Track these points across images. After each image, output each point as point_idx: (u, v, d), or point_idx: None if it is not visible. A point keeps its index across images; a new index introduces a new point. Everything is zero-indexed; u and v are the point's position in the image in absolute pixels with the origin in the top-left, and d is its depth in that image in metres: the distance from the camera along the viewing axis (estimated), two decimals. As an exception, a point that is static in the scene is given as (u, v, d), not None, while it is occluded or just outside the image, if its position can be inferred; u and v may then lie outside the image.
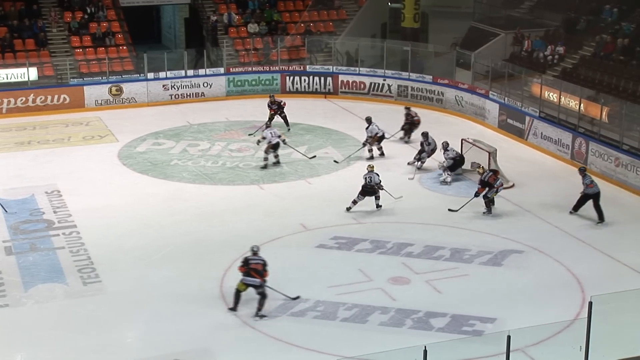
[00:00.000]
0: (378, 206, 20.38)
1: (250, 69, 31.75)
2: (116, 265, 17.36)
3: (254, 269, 15.43)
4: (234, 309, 15.51)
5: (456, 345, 13.78)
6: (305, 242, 18.77)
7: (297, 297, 15.95)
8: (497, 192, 20.40)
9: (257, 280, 15.41)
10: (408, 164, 23.43)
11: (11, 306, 15.93)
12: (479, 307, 15.79)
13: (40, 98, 29.14)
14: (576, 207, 20.17)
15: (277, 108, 27.10)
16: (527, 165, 23.99)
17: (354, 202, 20.27)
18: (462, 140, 23.52)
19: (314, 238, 18.96)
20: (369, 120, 24.48)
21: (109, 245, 18.49)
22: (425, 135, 23.48)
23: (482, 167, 21.08)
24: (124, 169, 23.77)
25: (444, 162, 22.46)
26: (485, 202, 20.35)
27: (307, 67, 31.94)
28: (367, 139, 24.20)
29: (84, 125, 28.00)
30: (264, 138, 23.84)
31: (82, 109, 29.50)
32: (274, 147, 23.42)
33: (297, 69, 31.93)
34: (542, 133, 25.40)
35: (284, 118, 27.18)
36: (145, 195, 21.74)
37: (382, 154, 24.23)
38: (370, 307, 15.81)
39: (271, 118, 27.00)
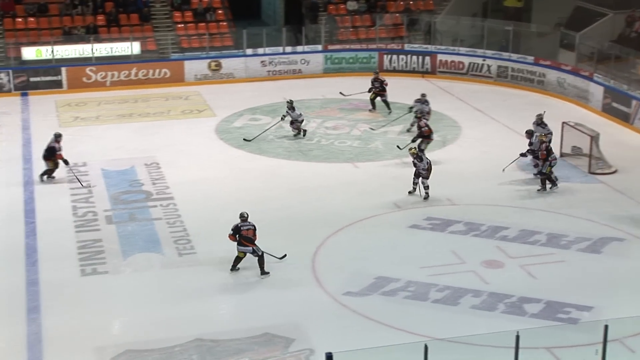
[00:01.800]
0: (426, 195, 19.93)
1: (348, 46, 31.69)
2: (211, 238, 17.67)
3: (245, 237, 16.00)
4: (233, 268, 16.22)
5: (550, 332, 13.53)
6: (399, 222, 18.69)
7: (284, 256, 16.46)
8: (551, 166, 19.93)
9: (249, 248, 16.09)
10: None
11: (111, 273, 16.45)
12: (576, 295, 15.42)
13: (143, 72, 29.82)
14: None
15: (379, 87, 26.72)
16: (632, 151, 23.22)
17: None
18: (563, 123, 22.93)
19: (408, 218, 18.86)
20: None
21: (204, 218, 18.84)
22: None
23: None
24: (221, 144, 24.14)
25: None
26: (540, 179, 20.11)
27: (406, 45, 31.67)
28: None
29: (183, 100, 28.54)
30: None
31: (182, 83, 30.08)
32: None
33: (395, 47, 31.70)
34: (649, 117, 24.55)
35: (385, 101, 26.79)
36: (241, 170, 22.04)
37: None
38: (462, 289, 15.65)
39: (373, 98, 26.68)
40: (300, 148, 23.47)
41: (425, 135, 22.42)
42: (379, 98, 26.71)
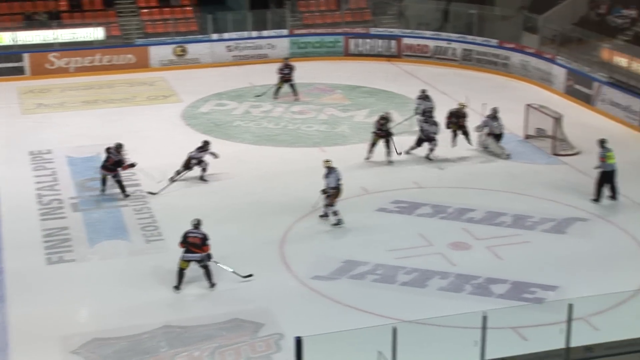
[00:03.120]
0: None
1: (314, 31, 31.57)
2: (178, 224, 17.42)
3: (192, 244, 14.95)
4: (177, 287, 15.01)
5: (516, 312, 13.62)
6: (366, 206, 18.70)
7: (249, 275, 15.36)
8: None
9: (196, 255, 14.96)
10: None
11: (77, 261, 16.27)
12: (541, 275, 15.56)
13: (107, 58, 29.51)
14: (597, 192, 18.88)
15: (288, 73, 26.43)
16: (594, 132, 23.34)
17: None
18: (527, 105, 23.07)
19: (375, 201, 18.88)
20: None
21: (171, 204, 18.70)
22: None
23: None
24: (188, 129, 23.96)
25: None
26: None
27: (371, 29, 31.62)
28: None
29: (148, 85, 28.27)
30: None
31: (147, 69, 29.79)
32: None
33: (361, 31, 31.64)
34: (610, 99, 24.77)
35: (292, 85, 26.49)
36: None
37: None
38: (430, 271, 15.71)
39: (280, 86, 26.41)
40: (267, 133, 23.36)
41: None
42: (286, 84, 26.49)
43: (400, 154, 21.24)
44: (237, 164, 21.16)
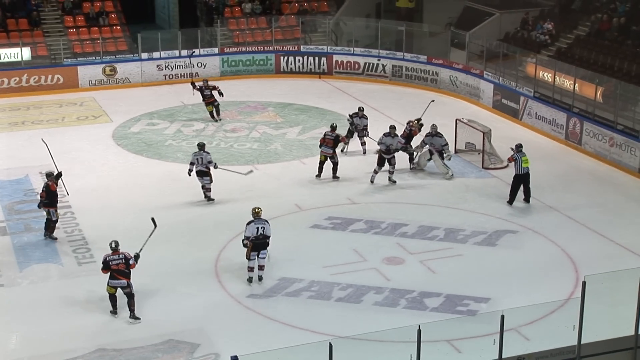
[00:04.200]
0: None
1: (244, 49, 31.60)
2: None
3: (116, 271, 14.60)
4: (114, 312, 14.80)
5: (450, 324, 13.81)
6: (300, 223, 18.76)
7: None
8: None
9: (123, 282, 14.62)
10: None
11: (6, 286, 15.92)
12: (473, 287, 15.81)
13: (34, 78, 29.00)
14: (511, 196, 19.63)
15: (210, 95, 25.64)
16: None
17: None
18: (456, 120, 23.47)
19: (309, 218, 18.95)
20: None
21: (103, 226, 18.44)
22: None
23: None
24: (119, 150, 23.70)
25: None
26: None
27: (302, 47, 31.81)
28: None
29: (78, 106, 27.88)
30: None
31: (76, 89, 29.36)
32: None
33: (291, 49, 31.79)
34: (536, 113, 25.38)
35: (217, 107, 25.85)
36: (140, 175, 21.69)
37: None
38: (365, 287, 15.82)
39: (211, 109, 25.72)
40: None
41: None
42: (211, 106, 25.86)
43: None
44: (171, 184, 20.99)
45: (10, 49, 29.38)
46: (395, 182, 20.77)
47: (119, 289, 14.73)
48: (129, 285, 14.70)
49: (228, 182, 21.04)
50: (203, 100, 25.86)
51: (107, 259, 14.72)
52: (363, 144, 23.17)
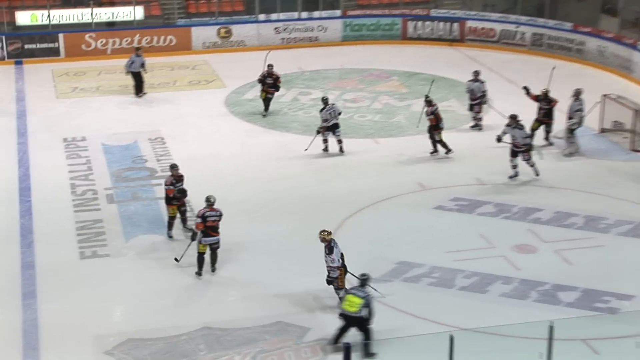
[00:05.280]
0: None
1: (369, 12, 31.56)
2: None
3: (211, 227, 15.36)
4: (199, 273, 15.55)
5: (587, 322, 13.53)
6: (423, 203, 18.68)
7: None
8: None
9: (216, 238, 15.46)
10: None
11: (112, 256, 16.54)
12: (615, 283, 15.39)
13: (146, 39, 29.85)
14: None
15: (272, 84, 23.88)
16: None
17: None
18: (603, 96, 22.78)
19: (432, 198, 18.85)
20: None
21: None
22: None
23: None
24: (231, 117, 24.19)
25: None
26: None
27: (432, 11, 31.50)
28: None
29: (190, 69, 28.57)
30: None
31: (189, 51, 30.09)
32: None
33: (420, 13, 31.54)
34: (697, 90, 24.37)
35: (269, 100, 24.00)
36: (252, 145, 22.07)
37: None
38: (492, 276, 15.65)
39: (265, 98, 23.95)
40: (317, 123, 23.40)
41: (433, 125, 20.99)
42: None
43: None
44: (284, 155, 21.27)
45: (123, 7, 30.34)
46: (538, 174, 19.90)
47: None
48: (218, 242, 15.45)
49: (347, 155, 21.15)
50: (263, 86, 24.06)
51: (205, 214, 15.31)
52: (477, 113, 22.71)
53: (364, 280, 13.61)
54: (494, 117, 22.70)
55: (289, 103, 25.10)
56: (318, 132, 21.24)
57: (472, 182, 19.73)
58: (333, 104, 21.49)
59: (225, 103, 25.29)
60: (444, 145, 21.02)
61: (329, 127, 21.14)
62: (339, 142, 21.24)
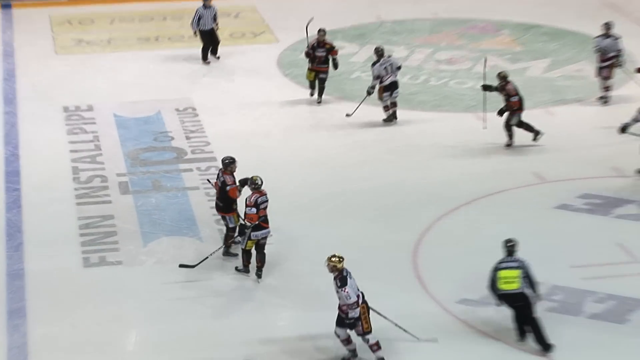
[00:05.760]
0: None
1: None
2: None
3: (263, 217, 15.59)
4: (246, 271, 16.03)
5: None
6: (541, 200, 18.63)
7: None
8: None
9: (267, 230, 15.72)
10: None
11: (125, 264, 16.67)
12: None
13: (175, -23, 30.08)
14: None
15: (324, 58, 22.84)
16: None
17: None
18: None
19: (555, 194, 18.78)
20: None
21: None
22: None
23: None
24: (285, 82, 24.29)
25: None
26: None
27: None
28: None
29: (232, 18, 28.72)
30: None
31: (230, -7, 30.23)
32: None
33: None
34: None
35: (323, 82, 23.11)
36: (313, 119, 22.13)
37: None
38: (634, 300, 15.50)
39: (313, 79, 23.04)
40: (400, 90, 23.35)
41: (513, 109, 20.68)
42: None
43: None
44: (355, 134, 21.27)
45: None
46: None
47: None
48: (267, 236, 15.71)
49: (438, 135, 21.07)
50: (311, 63, 23.12)
51: (258, 200, 15.49)
52: (605, 79, 22.53)
53: (510, 248, 14.21)
54: (632, 88, 22.46)
55: (362, 65, 25.07)
56: (369, 94, 21.48)
57: (608, 173, 19.55)
58: (389, 56, 21.63)
59: (277, 63, 25.40)
60: (529, 128, 20.64)
61: (387, 87, 21.13)
62: (393, 105, 21.54)
